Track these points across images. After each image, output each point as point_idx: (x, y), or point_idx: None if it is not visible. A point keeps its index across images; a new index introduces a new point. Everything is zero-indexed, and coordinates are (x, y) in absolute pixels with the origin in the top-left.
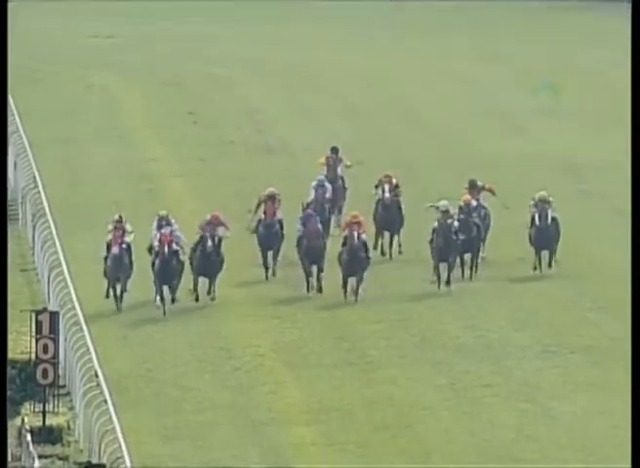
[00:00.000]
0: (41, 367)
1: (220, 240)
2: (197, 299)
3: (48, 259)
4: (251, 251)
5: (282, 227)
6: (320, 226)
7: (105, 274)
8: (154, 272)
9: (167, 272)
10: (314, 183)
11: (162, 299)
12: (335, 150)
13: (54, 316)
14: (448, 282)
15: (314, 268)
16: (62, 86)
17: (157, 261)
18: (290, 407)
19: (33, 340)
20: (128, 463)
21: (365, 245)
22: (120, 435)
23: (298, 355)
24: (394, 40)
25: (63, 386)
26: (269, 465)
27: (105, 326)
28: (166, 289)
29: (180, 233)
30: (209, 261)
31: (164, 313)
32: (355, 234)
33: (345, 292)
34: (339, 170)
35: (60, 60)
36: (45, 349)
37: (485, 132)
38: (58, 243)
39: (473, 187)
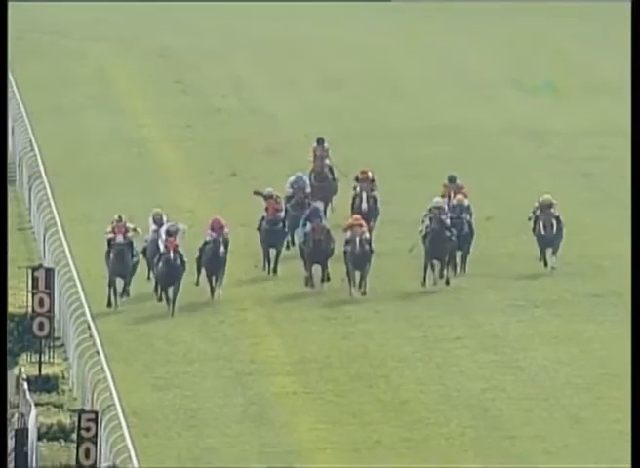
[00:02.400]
0: (37, 320)
1: (227, 242)
2: (212, 296)
3: (43, 219)
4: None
5: (285, 225)
6: (326, 224)
7: (107, 266)
8: (157, 276)
9: (171, 275)
10: (292, 179)
11: (167, 301)
12: (321, 141)
13: (49, 272)
14: (442, 277)
15: (317, 267)
16: (58, 57)
17: (161, 265)
18: (271, 358)
19: (30, 295)
20: (119, 410)
21: (368, 241)
22: (111, 384)
23: (279, 309)
24: (375, 15)
25: (58, 338)
26: (252, 412)
27: (98, 282)
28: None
29: (177, 225)
30: (218, 262)
31: (172, 313)
32: (358, 235)
33: (351, 285)
34: (326, 161)
35: (57, 33)
36: (41, 303)
37: (458, 101)
38: (52, 204)
39: (452, 182)
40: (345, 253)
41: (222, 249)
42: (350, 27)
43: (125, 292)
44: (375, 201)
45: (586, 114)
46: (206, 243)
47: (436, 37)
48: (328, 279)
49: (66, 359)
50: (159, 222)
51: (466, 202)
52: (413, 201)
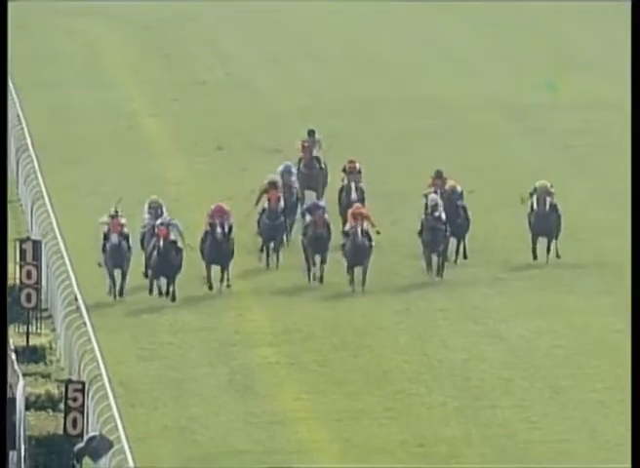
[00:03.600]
0: (25, 291)
1: (230, 228)
2: (211, 288)
3: (31, 192)
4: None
5: (286, 217)
6: (327, 216)
7: (105, 265)
8: (151, 265)
9: (165, 265)
10: (280, 168)
11: (159, 292)
12: (311, 133)
13: (37, 244)
14: (439, 271)
15: (317, 258)
16: (46, 32)
17: (154, 254)
18: (256, 329)
19: (18, 267)
20: (105, 380)
21: (368, 234)
22: (98, 355)
23: (263, 282)
24: None
25: (46, 309)
26: (237, 382)
27: (85, 254)
28: (164, 282)
29: (175, 221)
30: (220, 250)
31: (173, 299)
32: (359, 227)
33: (352, 280)
34: (314, 151)
35: (45, 8)
36: (28, 275)
37: (440, 76)
38: (40, 177)
39: (439, 177)
40: (344, 246)
41: (223, 239)
42: (332, 1)
43: (121, 288)
44: (362, 192)
45: (568, 87)
46: (206, 233)
47: (420, 15)
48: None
49: (54, 330)
50: (156, 211)
51: (459, 188)
52: (395, 174)
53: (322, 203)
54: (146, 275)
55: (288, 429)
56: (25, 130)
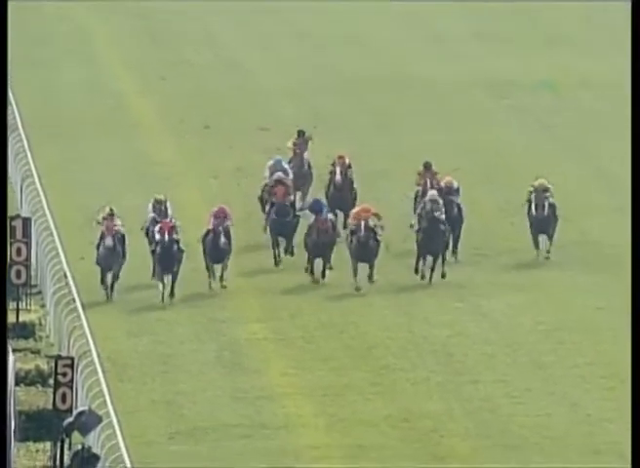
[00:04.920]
0: (15, 268)
1: (228, 230)
2: (210, 286)
3: (20, 170)
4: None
5: (295, 212)
6: (331, 217)
7: (98, 262)
8: (155, 259)
9: (168, 259)
10: (270, 163)
11: (163, 286)
12: (301, 133)
13: (26, 222)
14: (433, 270)
15: (320, 261)
16: (35, 11)
17: (158, 248)
18: (243, 305)
19: (7, 244)
20: (94, 356)
21: (373, 231)
22: (87, 330)
23: (252, 261)
24: None
25: (35, 286)
26: (224, 358)
27: (74, 231)
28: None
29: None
30: (219, 250)
31: (162, 299)
32: (362, 223)
33: (355, 276)
34: (305, 154)
35: None
36: (18, 252)
37: (422, 55)
38: (29, 155)
39: (428, 169)
40: (350, 243)
41: (224, 239)
42: None
43: (112, 290)
44: (351, 188)
45: (547, 66)
46: (207, 232)
47: None
48: (330, 268)
49: (43, 306)
50: (160, 209)
51: (455, 184)
52: (380, 153)
53: (323, 202)
54: (154, 272)
55: (275, 404)
56: (15, 109)
